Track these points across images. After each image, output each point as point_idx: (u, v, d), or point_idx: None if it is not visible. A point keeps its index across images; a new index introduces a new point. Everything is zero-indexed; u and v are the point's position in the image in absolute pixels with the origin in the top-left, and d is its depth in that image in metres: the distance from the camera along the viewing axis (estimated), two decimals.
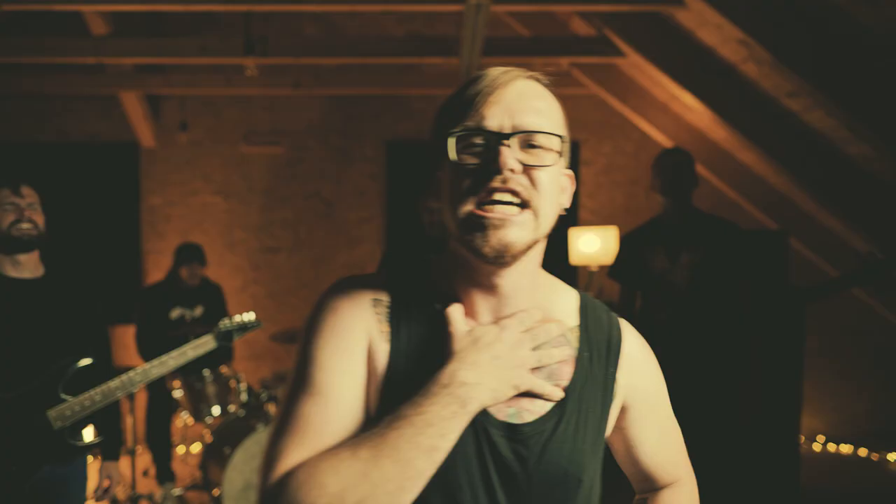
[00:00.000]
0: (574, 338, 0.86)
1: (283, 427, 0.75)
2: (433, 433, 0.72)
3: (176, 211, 5.30)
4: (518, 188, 0.76)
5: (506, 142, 0.76)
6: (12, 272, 1.98)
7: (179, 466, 4.41)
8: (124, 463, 3.91)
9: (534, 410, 0.81)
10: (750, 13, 2.79)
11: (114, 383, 2.03)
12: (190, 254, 4.07)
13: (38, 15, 4.53)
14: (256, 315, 2.50)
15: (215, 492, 3.37)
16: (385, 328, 0.81)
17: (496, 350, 0.78)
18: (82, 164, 5.20)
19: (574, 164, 5.27)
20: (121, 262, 5.25)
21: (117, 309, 5.07)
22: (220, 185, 5.30)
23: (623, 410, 0.90)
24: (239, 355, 5.07)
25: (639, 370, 0.90)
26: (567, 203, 0.86)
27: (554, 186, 0.80)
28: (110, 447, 2.19)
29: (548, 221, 0.80)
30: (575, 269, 5.10)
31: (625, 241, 2.92)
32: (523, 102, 0.79)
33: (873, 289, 4.32)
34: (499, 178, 0.76)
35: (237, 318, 2.43)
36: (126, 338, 5.12)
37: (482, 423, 0.78)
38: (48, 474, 1.96)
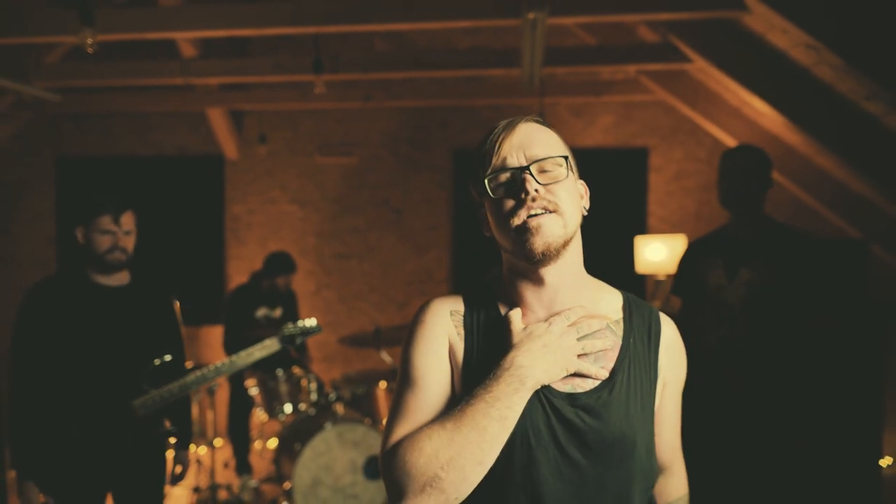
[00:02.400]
0: (619, 328, 1.06)
1: (392, 414, 1.02)
2: (501, 406, 0.95)
3: (256, 219, 5.63)
4: (544, 202, 1.00)
5: (526, 172, 1.00)
6: (102, 280, 2.23)
7: (257, 460, 4.68)
8: (205, 454, 4.20)
9: (586, 387, 1.01)
10: (815, 15, 2.67)
11: (190, 378, 2.28)
12: (288, 265, 4.40)
13: (135, 43, 4.96)
14: (325, 319, 2.68)
15: (286, 485, 3.58)
16: (461, 331, 1.06)
17: (545, 340, 1.00)
18: (174, 175, 5.65)
19: (643, 171, 5.29)
20: (207, 267, 5.65)
21: (203, 310, 5.45)
22: (296, 193, 5.59)
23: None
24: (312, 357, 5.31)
25: (674, 355, 1.10)
26: (587, 205, 1.09)
27: (570, 194, 1.03)
28: (183, 437, 2.44)
29: (573, 221, 1.02)
30: (642, 277, 5.02)
31: (685, 253, 2.65)
32: (530, 138, 1.04)
33: None
34: (529, 199, 0.99)
35: (300, 324, 2.62)
36: (209, 337, 5.49)
37: (546, 396, 0.99)
38: (131, 459, 2.21)
